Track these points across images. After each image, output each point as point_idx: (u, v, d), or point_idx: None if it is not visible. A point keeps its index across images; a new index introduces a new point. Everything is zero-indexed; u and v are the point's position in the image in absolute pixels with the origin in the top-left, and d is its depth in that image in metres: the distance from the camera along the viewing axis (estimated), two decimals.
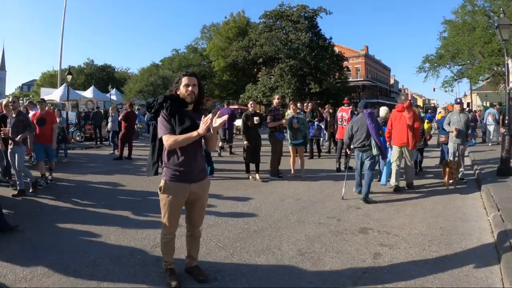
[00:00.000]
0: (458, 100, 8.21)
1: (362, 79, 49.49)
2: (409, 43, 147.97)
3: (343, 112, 9.44)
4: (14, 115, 6.02)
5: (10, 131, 5.81)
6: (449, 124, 7.48)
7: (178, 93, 2.85)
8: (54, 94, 21.68)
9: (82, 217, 4.81)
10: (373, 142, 5.80)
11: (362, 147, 5.95)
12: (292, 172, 7.83)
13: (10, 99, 6.51)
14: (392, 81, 65.14)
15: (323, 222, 4.69)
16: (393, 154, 6.70)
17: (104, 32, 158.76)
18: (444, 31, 27.45)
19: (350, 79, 44.47)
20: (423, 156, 8.61)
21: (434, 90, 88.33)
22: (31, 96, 51.60)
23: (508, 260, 3.42)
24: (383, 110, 7.60)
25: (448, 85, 28.50)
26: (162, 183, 2.84)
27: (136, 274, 3.13)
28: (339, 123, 9.41)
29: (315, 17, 35.51)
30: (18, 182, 6.00)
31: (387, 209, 5.40)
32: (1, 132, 5.77)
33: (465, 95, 32.64)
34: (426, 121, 8.90)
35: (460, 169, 7.35)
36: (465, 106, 28.38)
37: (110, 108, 13.60)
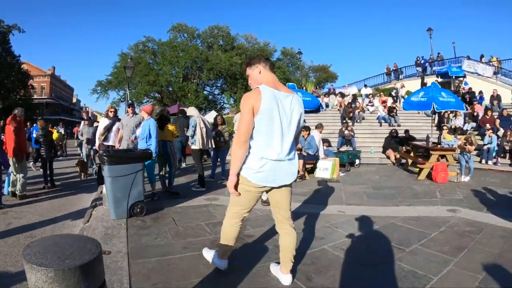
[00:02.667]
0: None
1: (46, 97, 48.61)
2: (94, 67, 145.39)
3: None
4: None
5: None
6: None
7: None
8: None
9: None
10: None
11: None
12: None
13: None
14: (74, 100, 66.55)
15: None
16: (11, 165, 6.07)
17: None
18: (118, 62, 32.12)
19: (35, 97, 42.81)
20: (52, 169, 7.37)
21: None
22: None
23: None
24: None
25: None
26: None
27: None
28: None
29: (8, 33, 32.24)
30: None
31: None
32: None
33: None
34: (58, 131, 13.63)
35: (93, 167, 9.14)
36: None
37: None
